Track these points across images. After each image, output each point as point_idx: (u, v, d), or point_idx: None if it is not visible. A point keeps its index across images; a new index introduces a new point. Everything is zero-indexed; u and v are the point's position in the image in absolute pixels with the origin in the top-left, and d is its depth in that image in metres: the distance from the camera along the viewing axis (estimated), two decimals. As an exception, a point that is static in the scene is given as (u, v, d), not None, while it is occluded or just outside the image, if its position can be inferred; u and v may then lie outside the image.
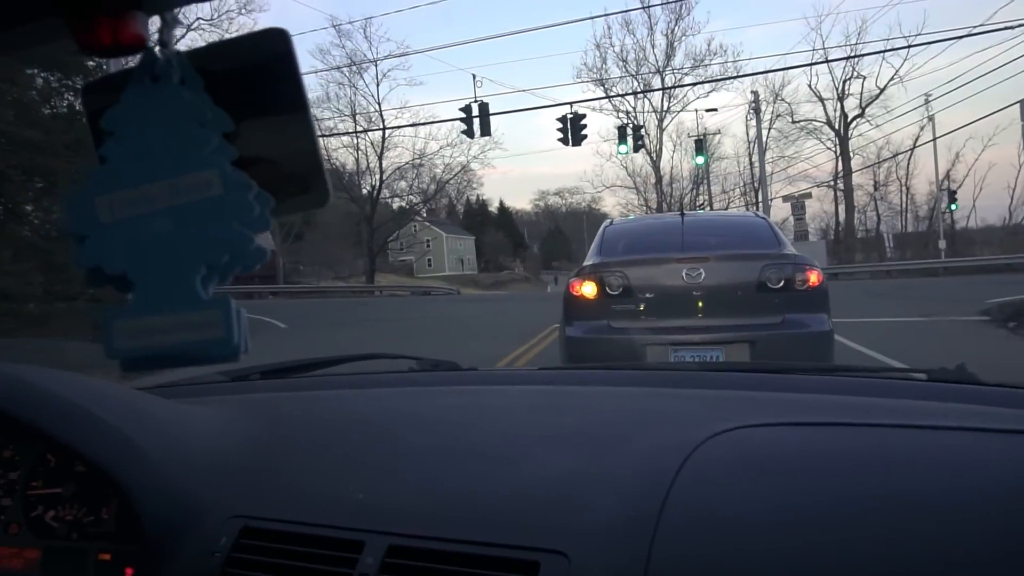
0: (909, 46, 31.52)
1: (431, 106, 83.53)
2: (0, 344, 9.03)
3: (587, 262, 5.11)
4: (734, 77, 36.58)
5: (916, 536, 0.70)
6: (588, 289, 4.74)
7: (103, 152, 0.47)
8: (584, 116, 20.85)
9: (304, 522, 0.86)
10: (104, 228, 0.46)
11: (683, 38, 42.96)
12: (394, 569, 0.78)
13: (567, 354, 4.87)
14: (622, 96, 38.66)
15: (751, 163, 40.67)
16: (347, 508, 0.87)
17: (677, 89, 38.31)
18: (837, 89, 38.27)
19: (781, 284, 4.51)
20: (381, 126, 36.53)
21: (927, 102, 34.82)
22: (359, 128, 36.77)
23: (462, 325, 14.45)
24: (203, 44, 0.47)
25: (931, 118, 34.68)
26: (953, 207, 33.85)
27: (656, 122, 39.65)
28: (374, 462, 0.98)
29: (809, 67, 36.85)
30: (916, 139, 37.76)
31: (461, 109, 20.67)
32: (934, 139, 34.15)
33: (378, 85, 37.92)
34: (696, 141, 29.69)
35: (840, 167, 39.20)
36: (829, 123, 39.24)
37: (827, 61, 36.12)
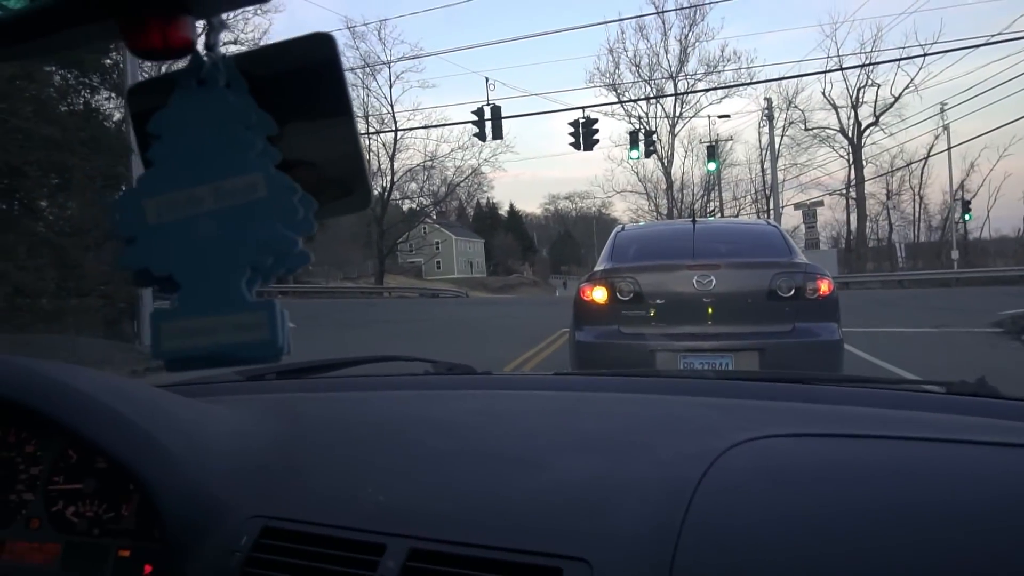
0: (925, 55, 31.38)
1: (443, 108, 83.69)
2: (14, 339, 9.10)
3: (598, 267, 5.14)
4: (747, 84, 36.59)
5: (938, 550, 0.70)
6: (599, 294, 4.77)
7: (151, 155, 0.47)
8: (596, 121, 20.86)
9: (325, 523, 0.86)
10: (152, 230, 0.47)
11: (697, 44, 42.95)
12: (415, 572, 0.78)
13: (577, 358, 4.90)
14: (634, 101, 38.65)
15: (763, 170, 40.52)
16: (368, 510, 0.87)
17: (690, 95, 38.28)
18: (851, 97, 38.12)
19: (792, 293, 4.52)
20: (393, 128, 36.65)
21: (942, 111, 34.68)
22: (371, 130, 36.91)
23: (470, 328, 14.46)
24: (250, 48, 0.47)
25: (946, 127, 34.53)
26: (967, 217, 33.66)
27: (668, 127, 39.64)
28: (394, 465, 0.98)
29: (823, 74, 36.82)
30: (930, 148, 37.60)
31: (473, 112, 20.73)
32: (948, 148, 33.99)
33: (391, 87, 38.13)
34: (708, 147, 29.69)
35: (853, 175, 39.00)
36: (842, 131, 39.09)
37: (841, 69, 35.96)
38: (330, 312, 18.05)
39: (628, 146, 24.93)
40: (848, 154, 39.13)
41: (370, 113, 36.41)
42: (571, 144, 20.71)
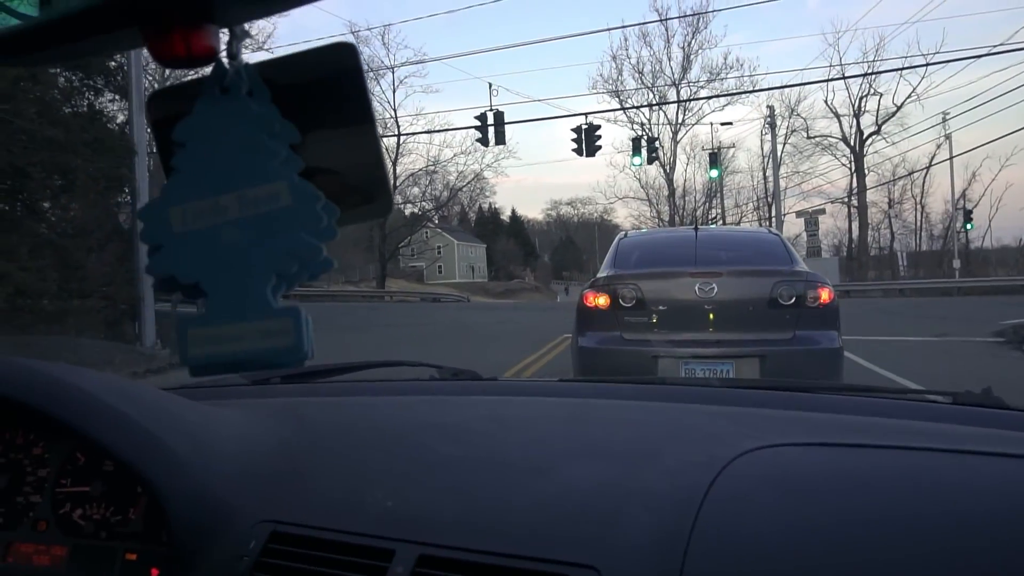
0: (927, 64, 31.50)
1: (446, 113, 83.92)
2: (15, 341, 9.10)
3: (601, 274, 5.18)
4: (750, 91, 36.65)
5: (945, 560, 0.70)
6: (602, 300, 4.81)
7: (175, 163, 0.48)
8: (599, 127, 20.89)
9: (333, 528, 0.86)
10: (178, 238, 0.47)
11: (700, 51, 43.17)
12: None
13: (580, 363, 4.93)
14: (637, 108, 38.74)
15: (765, 178, 40.62)
16: (376, 516, 0.87)
17: (692, 102, 38.37)
18: (853, 105, 38.25)
19: (792, 301, 4.56)
20: (396, 132, 36.72)
21: (944, 120, 34.70)
22: (374, 133, 36.76)
23: (471, 332, 14.46)
24: (273, 57, 0.48)
25: (948, 137, 34.53)
26: (968, 227, 33.51)
27: (671, 134, 39.71)
28: (402, 470, 0.98)
29: (826, 83, 36.82)
30: (932, 157, 37.64)
31: (476, 117, 20.76)
32: (951, 158, 33.99)
33: (394, 91, 38.18)
34: (710, 154, 29.70)
35: (855, 184, 39.05)
36: (844, 139, 39.17)
37: (844, 78, 36.06)
38: (332, 316, 18.05)
39: (630, 152, 24.95)
40: (850, 162, 39.24)
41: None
42: (573, 150, 20.76)
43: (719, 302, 4.59)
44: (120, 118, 12.98)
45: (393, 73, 35.99)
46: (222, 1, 0.41)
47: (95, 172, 10.74)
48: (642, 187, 42.00)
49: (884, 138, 38.33)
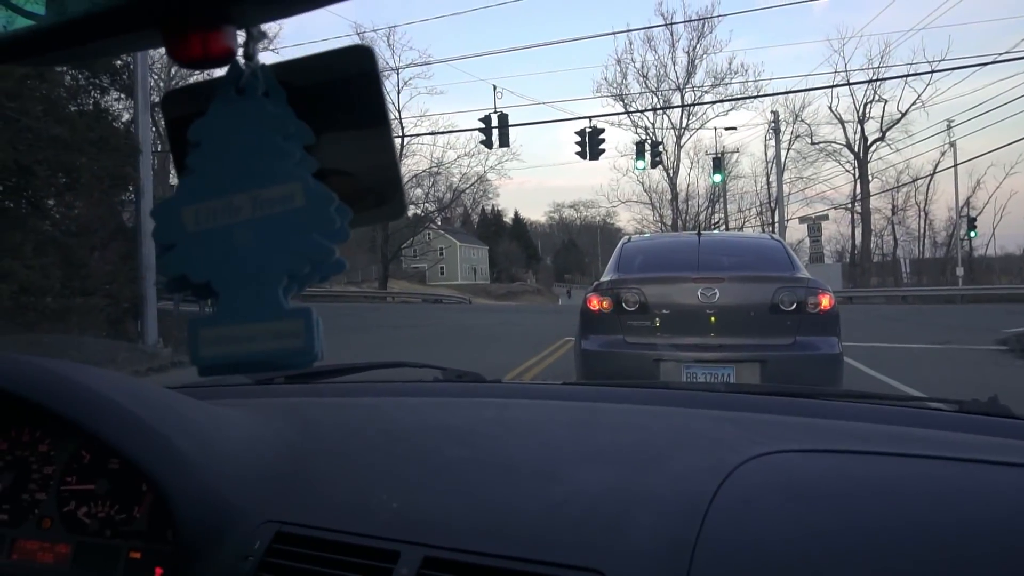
0: (932, 71, 31.44)
1: (450, 115, 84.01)
2: (19, 339, 9.11)
3: (604, 278, 5.25)
4: (754, 96, 36.69)
5: (950, 568, 0.70)
6: (605, 304, 4.89)
7: (189, 162, 0.48)
8: (602, 130, 20.89)
9: (338, 529, 0.86)
10: (190, 237, 0.47)
11: (704, 56, 43.12)
12: None
13: (583, 366, 5.00)
14: (641, 112, 38.73)
15: (768, 183, 40.57)
16: (382, 517, 0.87)
17: (697, 107, 38.36)
18: (858, 112, 38.25)
19: (793, 307, 4.63)
20: (400, 133, 36.76)
21: (949, 128, 34.69)
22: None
23: (473, 334, 14.46)
24: (289, 58, 0.48)
25: (952, 144, 34.52)
26: (972, 234, 33.46)
27: (674, 138, 39.72)
28: (408, 472, 0.98)
29: (830, 89, 36.89)
30: (936, 164, 37.61)
31: (481, 119, 20.78)
32: (955, 165, 34.01)
33: (399, 93, 38.13)
34: (714, 159, 29.66)
35: (858, 190, 39.02)
36: (848, 146, 39.14)
37: (849, 84, 36.10)
38: (335, 316, 18.07)
39: (634, 156, 24.90)
40: (854, 169, 39.19)
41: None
42: (577, 153, 20.73)
43: (721, 307, 4.65)
44: (125, 117, 13.04)
45: (398, 75, 36.02)
46: (240, 3, 0.42)
47: (100, 170, 10.77)
48: (645, 191, 42.06)
49: (888, 145, 38.34)
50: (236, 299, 0.47)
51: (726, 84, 37.99)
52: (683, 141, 40.01)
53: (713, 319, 4.65)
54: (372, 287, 39.47)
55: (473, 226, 70.69)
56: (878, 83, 35.48)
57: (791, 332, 4.60)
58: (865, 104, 37.78)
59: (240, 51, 0.45)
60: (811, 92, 37.82)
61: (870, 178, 38.76)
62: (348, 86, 0.46)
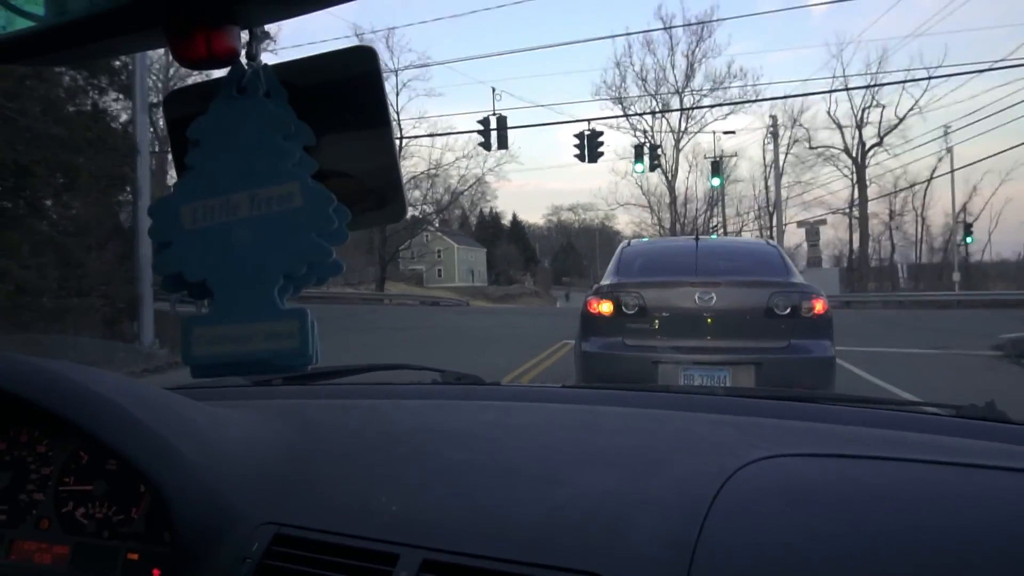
0: (930, 77, 31.61)
1: (449, 117, 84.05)
2: (14, 339, 9.09)
3: (604, 281, 5.38)
4: (753, 101, 36.97)
5: (950, 574, 0.70)
6: (605, 307, 5.01)
7: (189, 160, 0.48)
8: (601, 133, 20.91)
9: (337, 532, 0.86)
10: (187, 235, 0.47)
11: (703, 60, 43.10)
12: None
13: (583, 367, 5.12)
14: (640, 115, 38.80)
15: (767, 187, 40.65)
16: (381, 520, 0.87)
17: (695, 110, 38.44)
18: (856, 117, 38.35)
19: (788, 311, 4.76)
20: (399, 135, 36.76)
21: (946, 134, 34.75)
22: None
23: (471, 337, 14.45)
24: (291, 59, 0.48)
25: (949, 150, 34.58)
26: (969, 240, 33.50)
27: (673, 142, 39.80)
28: (408, 475, 0.98)
29: (829, 94, 36.96)
30: (933, 170, 37.67)
31: (479, 121, 20.79)
32: (952, 171, 34.02)
33: (397, 95, 38.18)
34: (712, 163, 29.72)
35: (856, 195, 39.09)
36: (847, 150, 39.24)
37: (847, 89, 36.21)
38: (332, 317, 18.04)
39: (633, 159, 24.96)
40: (852, 174, 39.28)
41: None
42: (576, 156, 20.76)
43: (718, 311, 4.78)
44: (123, 117, 13.02)
45: (397, 76, 36.12)
46: (244, 3, 0.41)
47: (97, 170, 10.76)
48: (644, 194, 42.16)
49: (886, 150, 38.53)
50: (232, 299, 0.46)
51: (725, 88, 38.14)
52: (682, 145, 40.19)
53: (710, 322, 4.77)
54: (369, 289, 39.42)
55: (471, 228, 70.67)
56: (876, 88, 35.64)
57: (785, 335, 4.72)
58: (863, 109, 37.94)
59: (243, 51, 0.45)
60: (810, 97, 38.10)
61: (868, 183, 38.90)
62: (349, 87, 0.46)
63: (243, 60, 0.46)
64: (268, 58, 0.48)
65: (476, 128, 21.12)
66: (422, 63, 47.21)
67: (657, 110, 38.97)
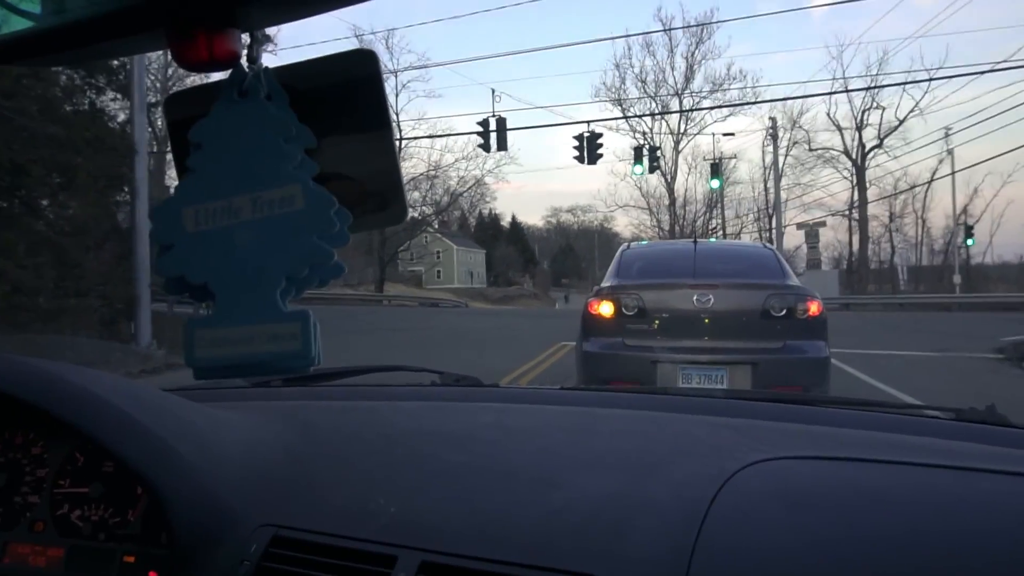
0: (930, 79, 31.56)
1: (448, 119, 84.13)
2: (11, 339, 9.07)
3: (605, 283, 5.48)
4: (752, 103, 36.82)
5: None
6: (605, 308, 5.10)
7: (190, 163, 0.48)
8: (601, 135, 20.92)
9: (336, 534, 0.86)
10: (189, 238, 0.47)
11: (703, 61, 43.05)
12: None
13: (583, 367, 5.22)
14: (639, 117, 38.82)
15: (766, 189, 40.66)
16: (379, 522, 0.86)
17: (695, 112, 38.46)
18: (856, 119, 38.33)
19: (784, 312, 4.87)
20: (398, 136, 36.76)
21: (947, 135, 34.76)
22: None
23: (469, 338, 14.45)
24: (292, 62, 0.48)
25: (950, 152, 34.61)
26: (969, 242, 33.51)
27: (672, 144, 39.80)
28: (406, 477, 0.98)
29: (828, 96, 36.94)
30: (934, 172, 37.67)
31: (479, 123, 20.77)
32: (952, 173, 34.08)
33: (397, 96, 38.18)
34: (712, 165, 29.77)
35: (856, 197, 39.12)
36: (846, 152, 39.24)
37: (847, 91, 36.22)
38: (331, 319, 18.02)
39: (632, 161, 25.00)
40: (852, 176, 39.28)
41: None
42: (575, 157, 20.77)
43: (715, 312, 4.88)
44: (121, 117, 13.00)
45: (396, 77, 36.12)
46: (246, 6, 0.41)
47: (95, 170, 10.75)
48: (643, 196, 42.07)
49: (886, 152, 38.42)
50: (234, 301, 0.46)
51: (724, 90, 38.15)
52: (681, 146, 40.16)
53: (708, 323, 4.86)
54: (368, 290, 39.40)
55: (470, 230, 70.70)
56: (876, 90, 35.66)
57: (781, 336, 4.84)
58: (863, 111, 37.90)
59: (244, 54, 0.45)
60: (809, 99, 38.02)
61: (868, 185, 38.87)
62: (350, 90, 0.46)
63: (244, 63, 0.46)
64: (268, 60, 0.48)
65: (475, 129, 21.14)
66: (422, 64, 47.28)
67: (656, 112, 39.01)
